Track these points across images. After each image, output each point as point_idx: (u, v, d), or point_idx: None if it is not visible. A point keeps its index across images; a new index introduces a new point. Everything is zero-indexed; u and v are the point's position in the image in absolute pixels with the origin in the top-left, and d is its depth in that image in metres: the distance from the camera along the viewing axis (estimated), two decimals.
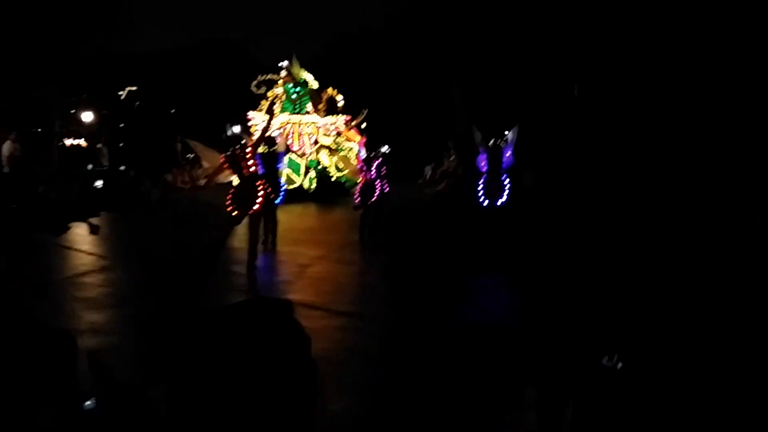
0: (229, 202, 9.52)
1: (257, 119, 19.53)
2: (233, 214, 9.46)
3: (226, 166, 9.58)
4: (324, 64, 28.79)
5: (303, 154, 19.51)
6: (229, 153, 9.52)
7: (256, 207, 9.42)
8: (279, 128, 19.40)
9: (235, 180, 9.72)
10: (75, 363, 2.68)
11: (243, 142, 9.93)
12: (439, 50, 23.00)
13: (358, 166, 13.10)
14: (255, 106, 20.61)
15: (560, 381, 2.33)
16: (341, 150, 20.25)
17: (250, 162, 9.42)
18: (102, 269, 9.65)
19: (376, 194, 11.98)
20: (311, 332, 1.54)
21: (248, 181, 9.40)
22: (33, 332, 2.52)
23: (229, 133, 9.94)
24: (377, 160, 12.30)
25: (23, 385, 2.06)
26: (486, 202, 10.73)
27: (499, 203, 10.73)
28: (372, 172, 12.05)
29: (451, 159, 20.65)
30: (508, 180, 10.72)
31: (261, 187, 9.46)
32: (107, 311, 7.47)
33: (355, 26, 43.22)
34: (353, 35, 40.63)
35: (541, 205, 11.65)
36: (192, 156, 24.23)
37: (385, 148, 13.24)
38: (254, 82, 20.75)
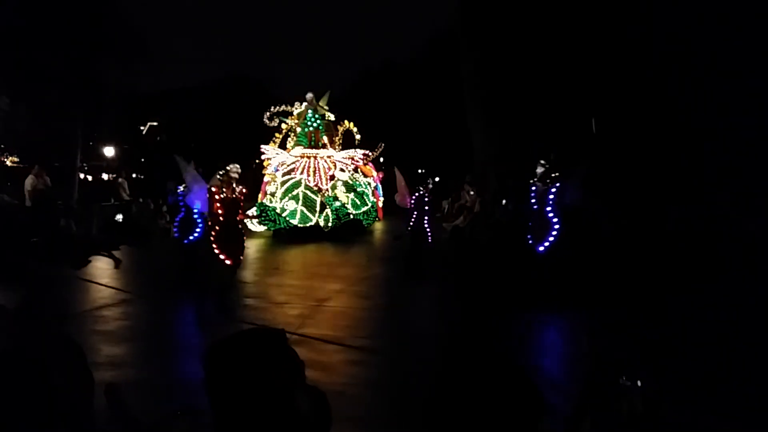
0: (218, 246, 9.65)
1: (270, 153, 19.18)
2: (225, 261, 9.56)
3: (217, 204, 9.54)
4: (346, 101, 29.10)
5: (318, 190, 18.54)
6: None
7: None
8: (294, 162, 18.96)
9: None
10: (91, 394, 2.72)
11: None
12: (460, 86, 23.08)
13: (406, 200, 12.63)
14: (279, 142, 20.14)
15: (579, 402, 2.32)
16: (358, 185, 19.52)
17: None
18: (121, 302, 9.70)
19: (427, 228, 12.12)
20: (327, 366, 1.58)
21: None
22: (47, 363, 2.56)
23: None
24: (429, 194, 12.32)
25: (36, 416, 2.09)
26: (537, 245, 9.94)
27: (543, 246, 9.94)
28: (426, 206, 12.12)
29: (471, 194, 20.58)
30: (556, 220, 9.86)
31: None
32: (125, 344, 7.51)
33: (378, 62, 43.66)
34: (376, 71, 41.16)
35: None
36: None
37: (431, 181, 13.05)
38: (267, 114, 19.94)
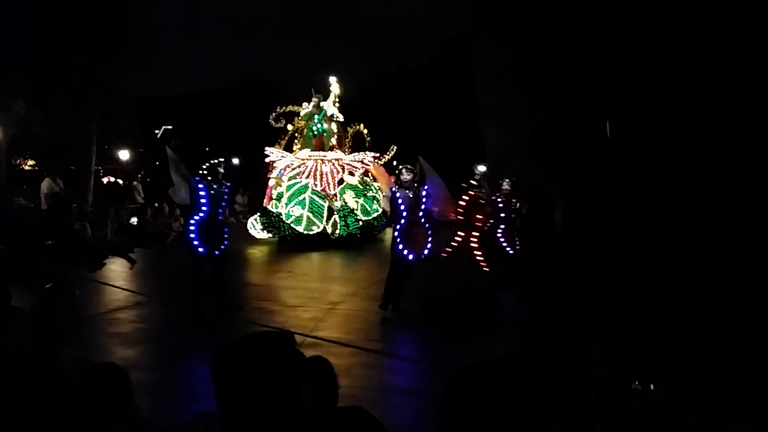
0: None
1: (275, 155, 18.29)
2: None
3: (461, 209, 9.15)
4: (359, 104, 29.00)
5: (326, 195, 17.39)
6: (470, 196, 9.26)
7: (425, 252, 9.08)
8: (300, 165, 18.08)
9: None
10: (131, 397, 2.81)
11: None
12: (472, 89, 23.05)
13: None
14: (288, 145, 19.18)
15: (591, 405, 2.33)
16: (368, 190, 18.25)
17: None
18: (136, 305, 9.75)
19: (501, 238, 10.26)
20: (340, 369, 1.60)
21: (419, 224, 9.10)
22: (88, 369, 2.64)
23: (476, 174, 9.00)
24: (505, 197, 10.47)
25: (49, 413, 2.12)
26: (406, 252, 8.99)
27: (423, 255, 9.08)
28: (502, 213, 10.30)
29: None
30: (428, 225, 9.12)
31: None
32: (140, 347, 7.55)
33: (392, 66, 43.75)
34: (390, 75, 41.25)
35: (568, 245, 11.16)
36: None
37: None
38: (272, 115, 19.02)
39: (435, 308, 8.94)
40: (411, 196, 8.95)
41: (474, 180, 10.26)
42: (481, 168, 9.71)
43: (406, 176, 9.03)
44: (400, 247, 8.93)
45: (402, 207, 8.92)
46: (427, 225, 9.02)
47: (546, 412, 1.43)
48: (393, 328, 8.67)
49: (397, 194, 8.97)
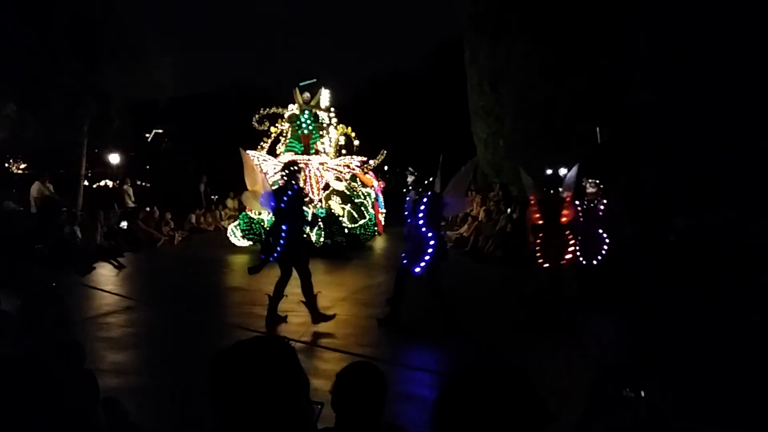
0: (538, 250, 8.94)
1: (257, 159, 16.48)
2: (543, 265, 8.92)
3: (534, 208, 9.04)
4: (351, 108, 28.94)
5: (311, 201, 16.39)
6: (543, 196, 9.06)
7: (569, 257, 8.87)
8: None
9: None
10: (97, 400, 2.76)
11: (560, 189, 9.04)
12: (464, 95, 23.13)
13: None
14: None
15: (584, 412, 2.32)
16: (356, 196, 17.36)
17: (566, 211, 8.88)
18: (125, 309, 9.70)
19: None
20: (330, 374, 1.58)
21: (561, 230, 8.92)
22: (59, 370, 2.59)
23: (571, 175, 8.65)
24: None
25: (40, 420, 2.09)
26: (405, 262, 8.53)
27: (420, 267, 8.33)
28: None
29: (476, 202, 20.30)
30: (431, 235, 8.28)
31: (571, 238, 8.87)
32: (129, 352, 7.53)
33: (384, 71, 43.85)
34: (382, 80, 41.32)
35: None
36: (216, 197, 24.45)
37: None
38: (255, 117, 18.26)
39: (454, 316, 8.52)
40: (414, 198, 8.53)
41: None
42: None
43: (408, 179, 8.78)
44: (402, 255, 8.59)
45: (405, 212, 8.63)
46: (429, 233, 8.29)
47: (538, 418, 1.42)
48: (384, 334, 8.64)
49: (408, 197, 8.71)
